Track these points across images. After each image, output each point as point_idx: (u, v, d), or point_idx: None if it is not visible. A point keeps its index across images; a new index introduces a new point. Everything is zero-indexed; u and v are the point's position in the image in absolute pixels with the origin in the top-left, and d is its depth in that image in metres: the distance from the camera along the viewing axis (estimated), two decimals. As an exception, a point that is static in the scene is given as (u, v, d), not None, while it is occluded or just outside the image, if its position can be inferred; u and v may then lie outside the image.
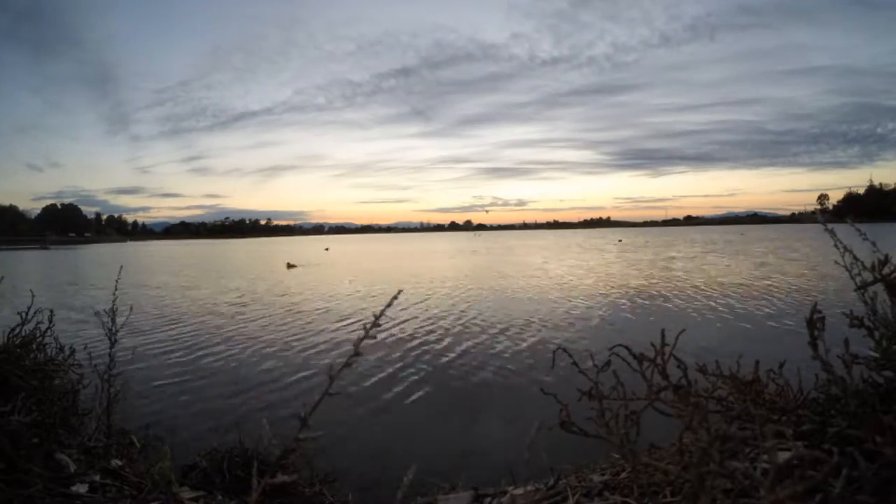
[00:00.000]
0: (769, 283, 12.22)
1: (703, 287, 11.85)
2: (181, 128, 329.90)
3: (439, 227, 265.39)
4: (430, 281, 15.53)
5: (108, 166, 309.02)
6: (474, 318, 8.90)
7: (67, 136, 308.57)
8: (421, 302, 10.80)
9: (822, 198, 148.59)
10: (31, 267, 28.81)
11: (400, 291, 0.75)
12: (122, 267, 3.13)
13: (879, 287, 1.00)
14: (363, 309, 10.29)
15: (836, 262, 1.09)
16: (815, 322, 0.92)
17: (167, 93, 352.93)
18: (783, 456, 0.45)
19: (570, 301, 10.49)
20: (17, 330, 1.59)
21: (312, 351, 6.86)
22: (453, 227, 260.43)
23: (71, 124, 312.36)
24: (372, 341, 0.65)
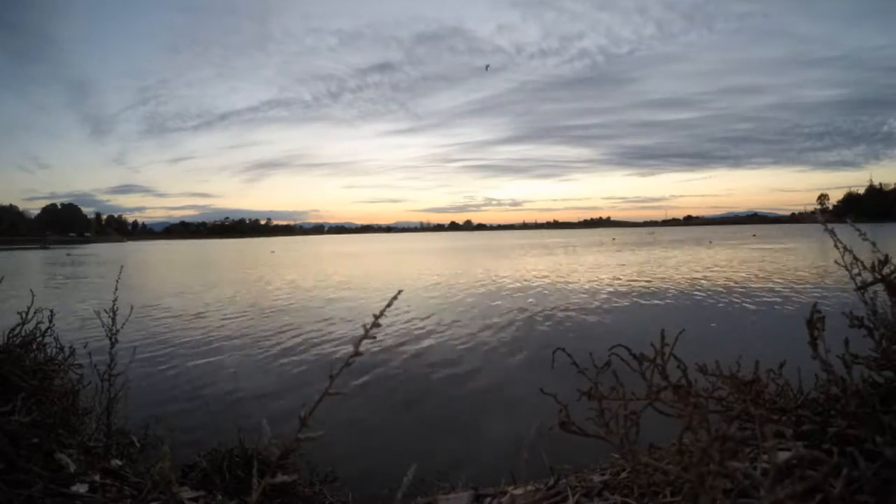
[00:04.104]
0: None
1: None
2: (167, 127, 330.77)
3: (439, 227, 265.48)
4: (426, 278, 15.54)
5: (97, 167, 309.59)
6: (473, 317, 8.90)
7: (54, 137, 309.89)
8: (421, 301, 10.81)
9: (822, 198, 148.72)
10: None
11: (400, 292, 0.75)
12: (122, 267, 3.13)
13: (879, 287, 1.00)
14: (367, 307, 10.31)
15: (836, 262, 1.09)
16: (815, 322, 0.92)
17: (149, 91, 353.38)
18: (783, 456, 0.45)
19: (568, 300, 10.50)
20: (17, 330, 1.59)
21: (313, 350, 6.86)
22: (453, 226, 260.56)
23: (57, 125, 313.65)
24: (371, 341, 0.65)
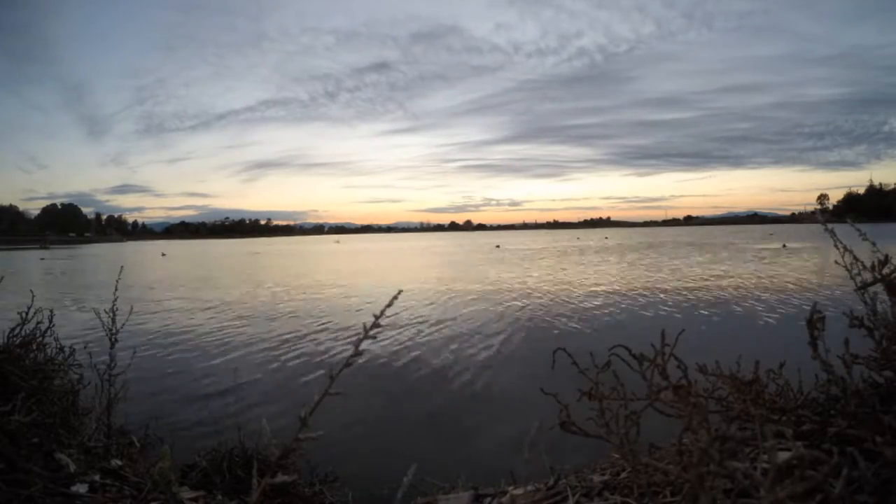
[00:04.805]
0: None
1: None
2: (165, 127, 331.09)
3: (439, 227, 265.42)
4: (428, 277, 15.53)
5: (95, 167, 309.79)
6: (473, 316, 8.90)
7: (52, 137, 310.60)
8: (421, 301, 10.81)
9: (822, 198, 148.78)
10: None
11: (400, 292, 0.75)
12: (122, 267, 3.13)
13: (879, 287, 1.00)
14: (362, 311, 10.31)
15: (836, 262, 1.09)
16: (815, 322, 0.92)
17: (146, 90, 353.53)
18: (783, 456, 0.45)
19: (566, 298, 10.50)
20: (17, 330, 1.59)
21: (313, 350, 6.86)
22: (454, 226, 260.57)
23: (54, 125, 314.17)
24: (371, 342, 0.65)
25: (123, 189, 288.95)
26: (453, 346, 6.85)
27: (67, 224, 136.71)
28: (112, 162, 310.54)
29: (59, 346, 1.69)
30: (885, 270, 0.99)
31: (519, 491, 1.29)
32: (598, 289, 12.31)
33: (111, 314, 1.91)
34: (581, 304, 10.04)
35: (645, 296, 10.88)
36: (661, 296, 10.80)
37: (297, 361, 6.32)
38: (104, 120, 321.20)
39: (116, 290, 1.96)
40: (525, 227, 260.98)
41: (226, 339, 7.68)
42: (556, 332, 7.67)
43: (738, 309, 8.96)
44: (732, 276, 13.86)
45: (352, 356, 0.63)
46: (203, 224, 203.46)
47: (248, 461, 1.77)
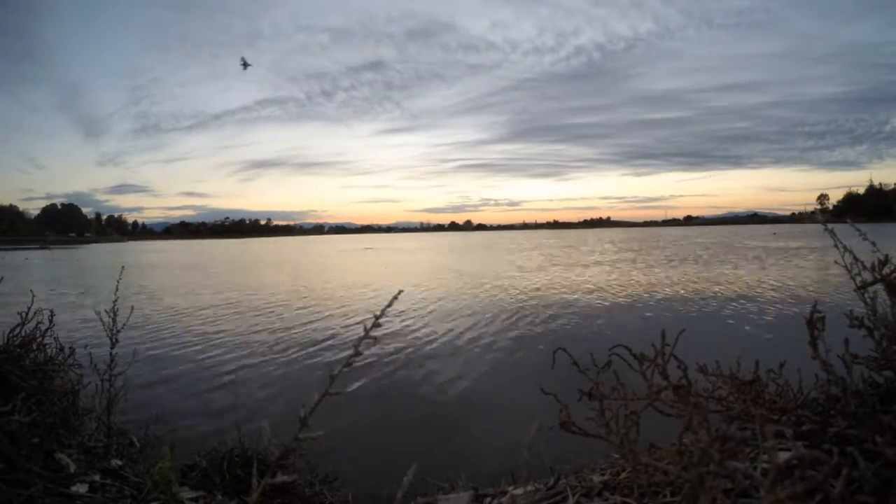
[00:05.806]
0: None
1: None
2: (161, 127, 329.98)
3: (440, 227, 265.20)
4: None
5: (93, 167, 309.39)
6: (473, 316, 8.90)
7: (49, 138, 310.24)
8: (421, 301, 10.81)
9: (822, 198, 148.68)
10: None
11: (401, 291, 0.75)
12: (123, 267, 3.13)
13: (879, 287, 1.00)
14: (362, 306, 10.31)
15: (836, 262, 1.09)
16: (815, 322, 0.92)
17: (142, 90, 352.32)
18: (783, 456, 0.45)
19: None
20: (17, 330, 1.59)
21: (314, 350, 6.86)
22: (454, 227, 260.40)
23: (51, 126, 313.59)
24: (372, 342, 0.65)
25: (122, 189, 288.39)
26: (454, 345, 6.86)
27: (67, 224, 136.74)
28: (110, 162, 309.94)
29: (59, 346, 1.69)
30: (885, 270, 0.99)
31: (519, 491, 1.29)
32: (604, 287, 12.32)
33: (112, 314, 1.90)
34: (582, 304, 10.04)
35: (645, 295, 10.89)
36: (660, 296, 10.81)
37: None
38: (101, 120, 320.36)
39: (117, 290, 1.96)
40: (525, 227, 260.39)
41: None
42: (556, 331, 7.67)
43: (738, 309, 8.96)
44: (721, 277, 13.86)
45: (352, 356, 0.63)
46: (203, 224, 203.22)
47: (248, 461, 1.77)
